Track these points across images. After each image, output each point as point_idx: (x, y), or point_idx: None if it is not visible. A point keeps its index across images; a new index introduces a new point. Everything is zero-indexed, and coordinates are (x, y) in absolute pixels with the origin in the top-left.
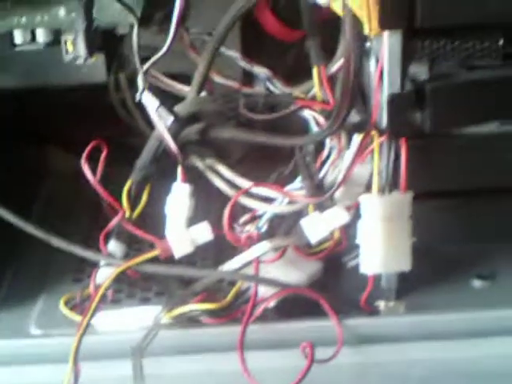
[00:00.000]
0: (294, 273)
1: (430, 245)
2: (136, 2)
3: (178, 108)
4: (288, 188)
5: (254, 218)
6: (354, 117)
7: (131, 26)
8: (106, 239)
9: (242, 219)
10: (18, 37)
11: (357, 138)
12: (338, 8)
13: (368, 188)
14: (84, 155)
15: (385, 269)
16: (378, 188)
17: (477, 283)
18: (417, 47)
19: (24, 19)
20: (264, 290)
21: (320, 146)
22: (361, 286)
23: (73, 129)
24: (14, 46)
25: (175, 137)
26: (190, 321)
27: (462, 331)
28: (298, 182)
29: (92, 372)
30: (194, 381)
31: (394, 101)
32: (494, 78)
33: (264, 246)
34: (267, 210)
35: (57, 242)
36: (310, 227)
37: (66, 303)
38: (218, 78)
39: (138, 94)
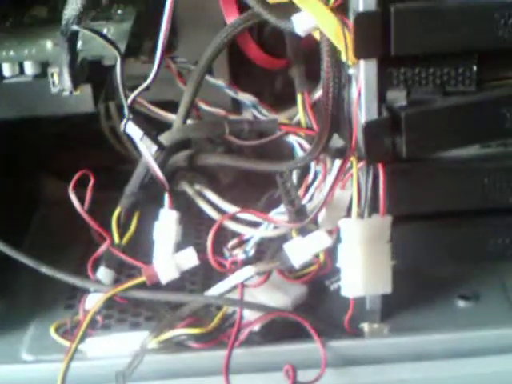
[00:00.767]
0: (279, 296)
1: (412, 267)
2: (122, 35)
3: (164, 136)
4: (273, 212)
5: (242, 243)
6: (338, 142)
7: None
8: (96, 266)
9: (230, 243)
10: (7, 70)
11: (338, 163)
12: (318, 36)
13: (349, 212)
14: (71, 184)
15: (365, 292)
16: (357, 212)
17: (460, 304)
18: (392, 75)
19: (12, 52)
20: (249, 314)
21: (306, 171)
22: (346, 309)
23: (65, 157)
24: (3, 78)
25: (162, 164)
26: (178, 345)
27: (447, 352)
28: (282, 207)
29: None
30: None
31: (370, 127)
32: (468, 103)
33: (248, 271)
34: (253, 235)
35: (46, 269)
36: (293, 251)
37: (57, 329)
38: (204, 106)
39: (122, 125)
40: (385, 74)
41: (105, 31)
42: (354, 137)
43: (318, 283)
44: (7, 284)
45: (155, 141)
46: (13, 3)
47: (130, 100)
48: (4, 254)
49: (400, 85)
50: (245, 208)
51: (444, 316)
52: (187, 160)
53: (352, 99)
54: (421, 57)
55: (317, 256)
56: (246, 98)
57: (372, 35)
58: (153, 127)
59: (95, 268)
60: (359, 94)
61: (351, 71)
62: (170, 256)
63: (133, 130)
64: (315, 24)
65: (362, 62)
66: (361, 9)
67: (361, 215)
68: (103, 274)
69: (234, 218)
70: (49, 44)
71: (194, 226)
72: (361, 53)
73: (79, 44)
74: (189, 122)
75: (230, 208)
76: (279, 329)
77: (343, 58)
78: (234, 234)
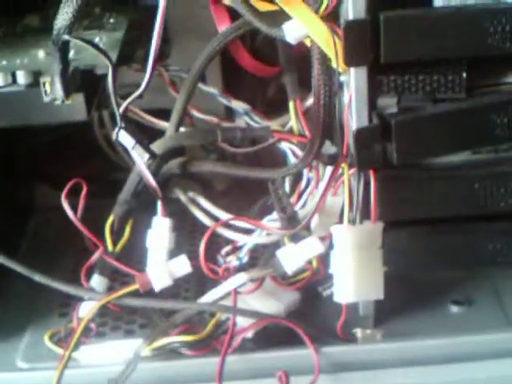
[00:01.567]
0: (272, 303)
1: (403, 273)
2: (114, 44)
3: (157, 144)
4: (266, 219)
5: (236, 249)
6: (331, 148)
7: None
8: (90, 274)
9: (224, 250)
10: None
11: (330, 170)
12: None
13: (341, 218)
14: (63, 193)
15: (358, 297)
16: (348, 218)
17: (453, 309)
18: (383, 82)
19: (4, 62)
20: (243, 320)
21: (299, 177)
22: (338, 315)
23: (59, 165)
24: None
25: (155, 172)
26: (171, 353)
27: (440, 357)
28: (275, 214)
29: None
30: None
31: (360, 134)
32: (458, 110)
33: (241, 278)
34: (246, 242)
35: (39, 277)
36: (286, 258)
37: (52, 337)
38: (197, 114)
39: (114, 134)
40: (375, 82)
41: (97, 40)
42: (345, 143)
43: (311, 289)
44: (1, 292)
45: (147, 149)
46: (5, 12)
47: (122, 108)
48: None
49: (390, 92)
50: (238, 215)
51: (437, 321)
52: (180, 167)
53: (343, 106)
54: (411, 64)
55: (310, 262)
56: (238, 105)
57: (362, 43)
58: (145, 135)
59: (89, 276)
60: (350, 101)
61: (342, 78)
62: (163, 263)
63: (125, 139)
64: (306, 32)
65: (352, 70)
66: (350, 17)
67: (352, 221)
68: (97, 281)
69: (227, 225)
70: (41, 53)
71: (187, 233)
72: (351, 60)
73: (72, 53)
74: (182, 129)
75: (223, 215)
76: (272, 335)
77: (334, 65)
78: (228, 241)
